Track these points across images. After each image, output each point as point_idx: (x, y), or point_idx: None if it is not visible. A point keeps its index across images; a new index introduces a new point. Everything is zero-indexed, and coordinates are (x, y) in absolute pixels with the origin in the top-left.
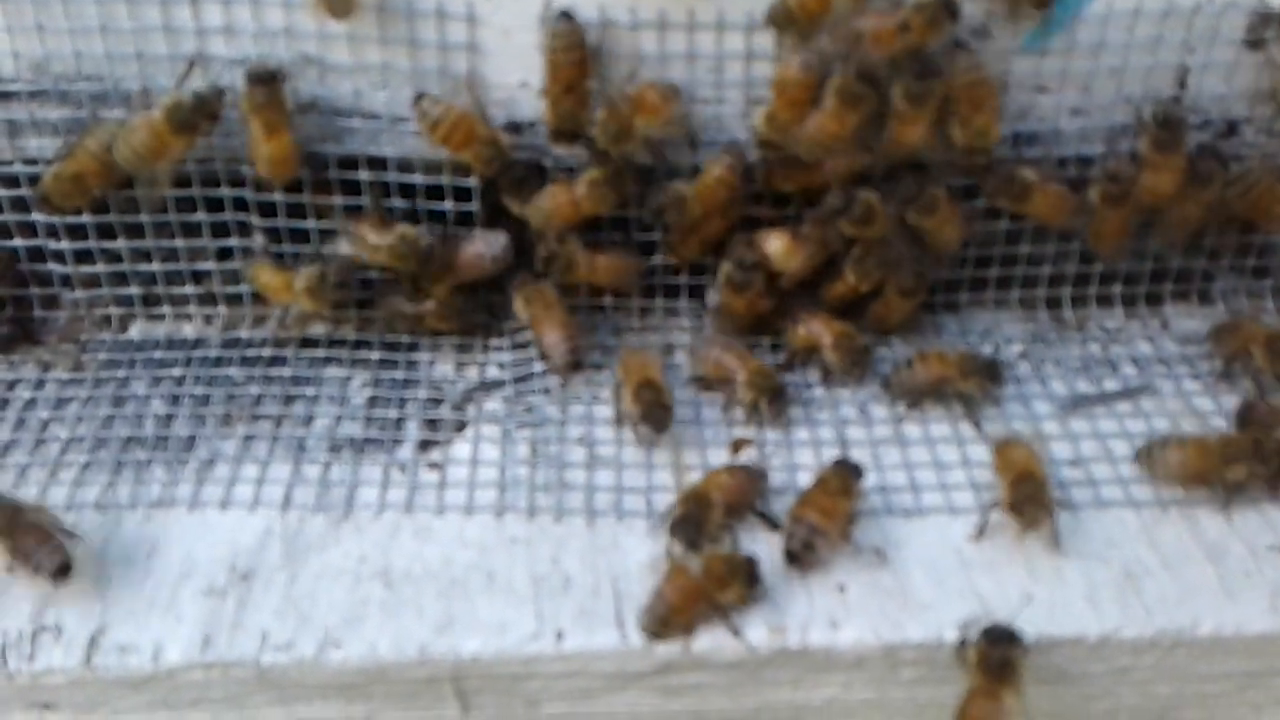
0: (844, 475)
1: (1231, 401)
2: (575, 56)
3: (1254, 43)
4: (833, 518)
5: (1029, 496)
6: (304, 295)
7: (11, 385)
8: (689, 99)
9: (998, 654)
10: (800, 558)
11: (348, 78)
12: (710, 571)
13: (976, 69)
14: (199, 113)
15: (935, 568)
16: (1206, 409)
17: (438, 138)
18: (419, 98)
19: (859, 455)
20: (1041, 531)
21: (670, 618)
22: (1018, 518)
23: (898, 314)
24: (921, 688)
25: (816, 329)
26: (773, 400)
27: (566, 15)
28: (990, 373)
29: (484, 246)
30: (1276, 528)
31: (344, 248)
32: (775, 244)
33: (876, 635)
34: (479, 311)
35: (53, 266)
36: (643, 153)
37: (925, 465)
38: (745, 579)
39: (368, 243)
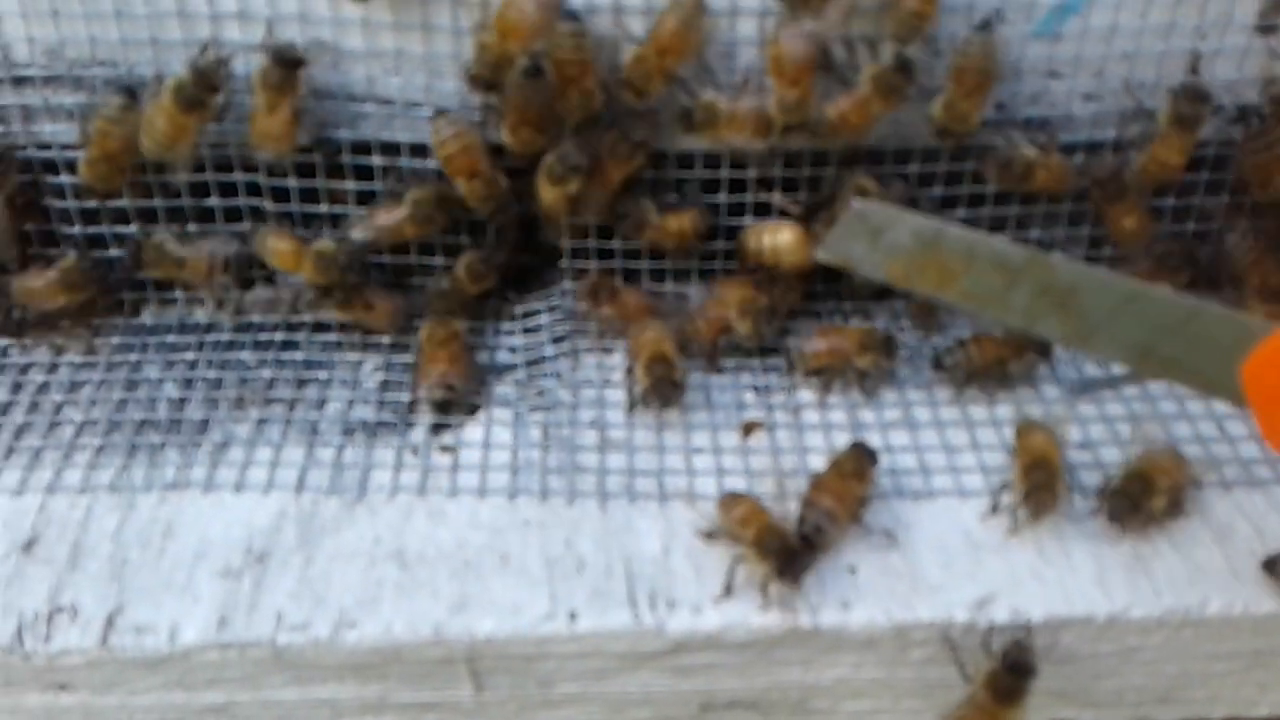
0: (859, 459)
1: None
2: (582, 57)
3: (1267, 28)
4: (845, 501)
5: (1041, 484)
6: (311, 260)
7: (25, 369)
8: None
9: (1011, 683)
10: (813, 542)
11: (361, 63)
12: None
13: (982, 54)
14: (201, 86)
15: (945, 549)
16: None
17: (440, 157)
18: (435, 115)
19: (869, 438)
20: (1048, 520)
21: None
22: (1025, 507)
23: None
24: (931, 668)
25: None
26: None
27: (573, 15)
28: (1042, 351)
29: None
30: None
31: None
32: (785, 236)
33: (887, 616)
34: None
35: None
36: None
37: (935, 448)
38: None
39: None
